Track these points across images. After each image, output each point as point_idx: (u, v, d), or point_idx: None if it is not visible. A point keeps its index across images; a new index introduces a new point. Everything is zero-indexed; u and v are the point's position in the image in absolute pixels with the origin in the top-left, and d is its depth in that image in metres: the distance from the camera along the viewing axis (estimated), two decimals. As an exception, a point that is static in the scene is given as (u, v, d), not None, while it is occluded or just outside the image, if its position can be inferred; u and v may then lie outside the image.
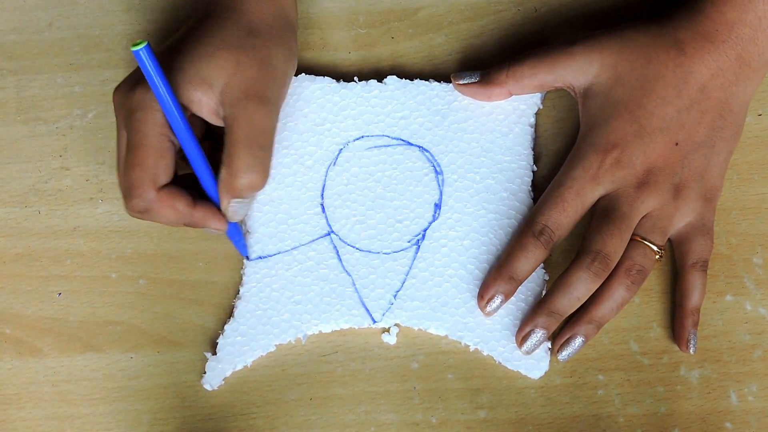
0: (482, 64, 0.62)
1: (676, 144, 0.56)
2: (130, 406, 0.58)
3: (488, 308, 0.57)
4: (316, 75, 0.62)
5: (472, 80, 0.60)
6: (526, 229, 0.56)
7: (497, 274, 0.56)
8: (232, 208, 0.55)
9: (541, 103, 0.61)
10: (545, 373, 0.57)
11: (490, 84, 0.59)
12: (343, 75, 0.63)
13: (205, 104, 0.54)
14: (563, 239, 0.56)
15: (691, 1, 0.57)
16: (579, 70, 0.57)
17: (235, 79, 0.54)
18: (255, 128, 0.54)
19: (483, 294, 0.57)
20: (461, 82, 0.60)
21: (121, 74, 0.64)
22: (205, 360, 0.58)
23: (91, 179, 0.62)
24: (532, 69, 0.58)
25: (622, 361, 0.57)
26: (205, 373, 0.58)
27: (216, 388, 0.58)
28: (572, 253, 0.56)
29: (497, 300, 0.56)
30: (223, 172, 0.54)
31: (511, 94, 0.60)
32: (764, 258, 0.58)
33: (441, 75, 0.62)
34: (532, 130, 0.60)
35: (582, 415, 0.57)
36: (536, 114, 0.61)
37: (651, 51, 0.56)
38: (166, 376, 0.59)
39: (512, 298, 0.57)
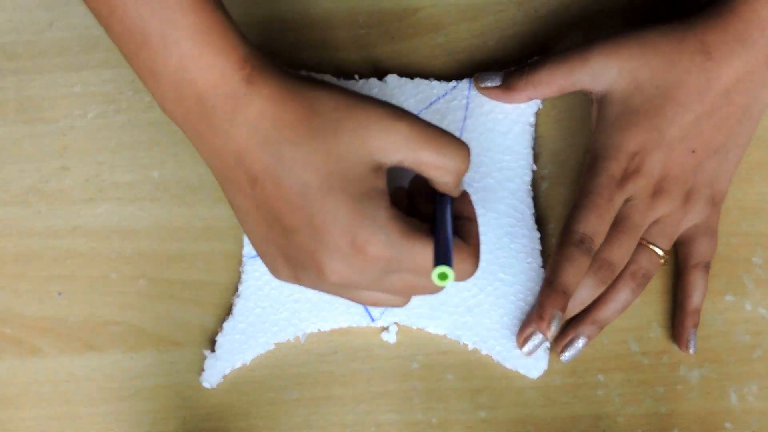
0: (482, 64, 0.62)
1: (693, 151, 0.55)
2: (130, 406, 0.58)
3: (552, 330, 0.54)
4: (316, 75, 0.62)
5: (494, 84, 0.59)
6: (566, 241, 0.55)
7: (551, 292, 0.54)
8: None
9: (541, 103, 0.61)
10: (545, 372, 0.57)
11: (510, 90, 0.59)
12: (343, 75, 0.63)
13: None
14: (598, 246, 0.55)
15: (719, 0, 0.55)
16: (595, 76, 0.56)
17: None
18: None
19: (543, 315, 0.54)
20: (483, 85, 0.60)
21: (121, 74, 0.63)
22: (205, 359, 0.58)
23: (91, 179, 0.62)
24: (550, 75, 0.58)
25: (622, 361, 0.57)
26: (204, 371, 0.58)
27: (215, 386, 0.58)
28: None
29: (557, 318, 0.54)
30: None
31: (530, 99, 0.59)
32: (764, 258, 0.58)
33: (441, 75, 0.62)
34: (532, 129, 0.60)
35: (582, 415, 0.57)
36: (536, 114, 0.61)
37: (675, 56, 0.54)
38: (166, 376, 0.59)
39: (511, 297, 0.57)
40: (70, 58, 0.64)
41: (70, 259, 0.61)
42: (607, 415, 0.57)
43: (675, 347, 0.57)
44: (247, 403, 0.58)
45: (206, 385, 0.58)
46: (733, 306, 0.58)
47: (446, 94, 0.61)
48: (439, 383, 0.58)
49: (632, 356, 0.57)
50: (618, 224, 0.55)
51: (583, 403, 0.57)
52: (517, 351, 0.57)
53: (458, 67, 0.62)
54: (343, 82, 0.61)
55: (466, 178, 0.59)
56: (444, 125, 0.60)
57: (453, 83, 0.61)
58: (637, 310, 0.58)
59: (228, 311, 0.59)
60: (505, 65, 0.61)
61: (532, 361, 0.57)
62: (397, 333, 0.58)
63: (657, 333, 0.58)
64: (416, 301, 0.58)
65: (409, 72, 0.63)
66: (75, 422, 0.58)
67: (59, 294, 0.60)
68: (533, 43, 0.62)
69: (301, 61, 0.63)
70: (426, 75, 0.62)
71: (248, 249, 0.59)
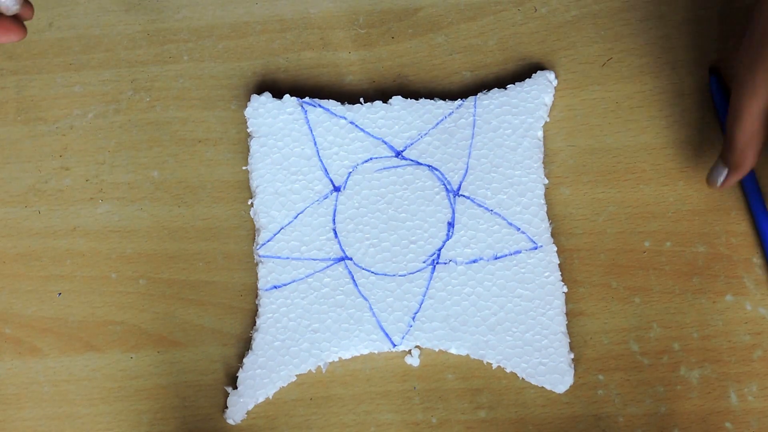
0: (482, 64, 0.62)
1: None
2: (130, 406, 0.58)
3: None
4: (317, 75, 0.62)
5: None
6: None
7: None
8: None
9: (548, 116, 0.61)
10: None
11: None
12: (343, 75, 0.63)
13: None
14: None
15: None
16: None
17: None
18: None
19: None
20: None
21: (121, 74, 0.64)
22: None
23: (91, 179, 0.62)
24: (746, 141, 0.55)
25: (622, 361, 0.57)
26: (226, 408, 0.57)
27: (239, 422, 0.57)
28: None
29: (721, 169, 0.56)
30: None
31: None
32: (764, 258, 0.58)
33: (441, 75, 0.62)
34: (541, 143, 0.60)
35: (582, 415, 0.57)
36: (543, 127, 0.60)
37: None
38: (166, 376, 0.59)
39: (531, 313, 0.57)
40: (70, 58, 0.64)
41: (70, 259, 0.61)
42: (607, 415, 0.57)
43: (675, 347, 0.57)
44: (247, 403, 0.58)
45: (230, 422, 0.57)
46: (733, 306, 0.58)
47: (452, 112, 0.61)
48: (439, 383, 0.58)
49: (632, 356, 0.58)
50: None
51: (583, 403, 0.57)
52: (542, 367, 0.56)
53: (458, 67, 0.63)
54: (347, 107, 0.61)
55: (477, 195, 0.59)
56: (452, 144, 0.60)
57: (459, 102, 0.61)
58: (637, 310, 0.58)
59: (228, 311, 0.59)
60: (505, 65, 0.61)
61: (557, 377, 0.56)
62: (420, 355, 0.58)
63: (657, 333, 0.58)
64: (436, 322, 0.57)
65: (409, 72, 0.63)
66: (75, 422, 0.58)
67: (59, 294, 0.60)
68: (533, 43, 0.62)
69: (301, 61, 0.63)
70: (426, 75, 0.62)
71: (263, 282, 0.59)
